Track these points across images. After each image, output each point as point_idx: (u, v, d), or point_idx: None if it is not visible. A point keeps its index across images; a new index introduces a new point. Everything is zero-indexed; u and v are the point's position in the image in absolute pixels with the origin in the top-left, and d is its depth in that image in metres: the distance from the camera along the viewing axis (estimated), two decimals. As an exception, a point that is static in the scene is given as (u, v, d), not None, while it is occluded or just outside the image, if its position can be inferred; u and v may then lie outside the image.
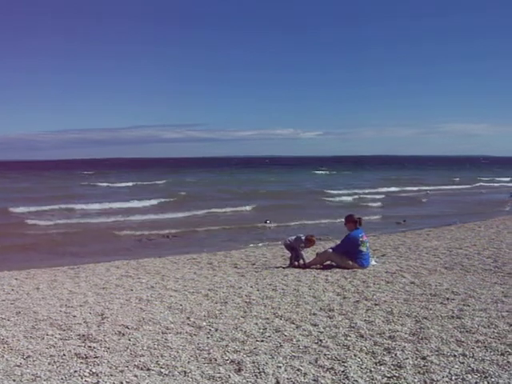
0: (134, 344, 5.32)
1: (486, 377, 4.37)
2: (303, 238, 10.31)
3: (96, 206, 27.69)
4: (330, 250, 10.14)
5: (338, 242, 10.49)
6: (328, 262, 10.09)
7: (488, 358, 4.80)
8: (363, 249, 9.81)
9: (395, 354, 4.94)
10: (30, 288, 8.39)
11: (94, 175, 74.24)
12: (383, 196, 36.04)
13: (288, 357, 4.90)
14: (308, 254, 11.53)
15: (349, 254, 9.80)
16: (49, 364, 4.71)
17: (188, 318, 6.34)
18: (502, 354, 4.90)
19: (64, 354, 4.97)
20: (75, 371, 4.52)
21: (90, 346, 5.23)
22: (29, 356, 4.92)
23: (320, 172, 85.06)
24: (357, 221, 10.12)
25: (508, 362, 4.71)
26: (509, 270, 9.28)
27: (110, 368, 4.63)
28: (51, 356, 4.92)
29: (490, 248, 12.19)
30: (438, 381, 4.30)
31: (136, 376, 4.45)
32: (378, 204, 30.52)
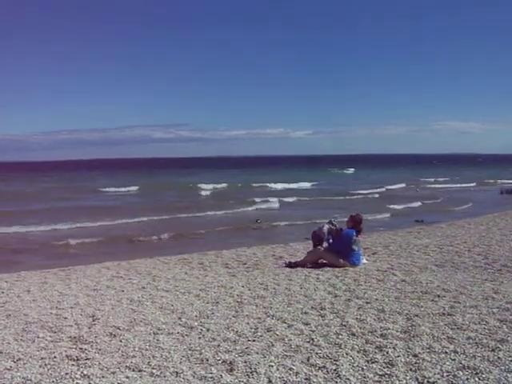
0: (125, 345, 5.31)
1: (476, 373, 4.40)
2: (334, 222, 10.33)
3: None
4: (321, 248, 10.15)
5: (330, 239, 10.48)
6: (319, 261, 10.08)
7: (479, 355, 4.83)
8: (355, 247, 9.83)
9: (387, 352, 4.96)
10: (20, 290, 8.34)
11: (95, 177, 71.54)
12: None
13: (280, 356, 4.90)
14: (300, 254, 11.56)
15: (341, 252, 9.81)
16: (40, 367, 4.69)
17: (179, 318, 6.33)
18: (493, 350, 4.93)
19: (55, 357, 4.96)
20: (66, 373, 4.51)
21: (81, 348, 5.22)
22: (19, 359, 4.90)
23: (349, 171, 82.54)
24: (359, 223, 10.10)
25: (498, 357, 4.75)
26: (499, 267, 9.33)
27: (102, 370, 4.62)
28: (42, 358, 4.91)
29: (481, 245, 12.24)
30: (429, 378, 4.32)
31: (128, 377, 4.44)
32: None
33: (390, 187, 42.10)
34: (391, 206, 26.18)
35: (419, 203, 28.09)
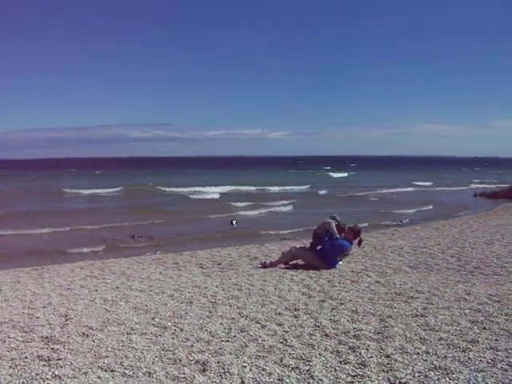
0: (98, 345, 5.27)
1: (447, 373, 4.44)
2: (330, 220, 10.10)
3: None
4: (296, 248, 10.15)
5: (305, 241, 10.50)
6: (293, 262, 10.10)
7: (450, 355, 4.88)
8: (339, 259, 9.82)
9: (360, 353, 4.98)
10: (-9, 290, 8.23)
11: (73, 177, 68.33)
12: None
13: (253, 356, 4.90)
14: (275, 254, 11.58)
15: (325, 256, 9.77)
16: (9, 368, 4.62)
17: (153, 318, 6.30)
18: (464, 351, 4.99)
19: (26, 357, 4.89)
20: (37, 374, 4.45)
21: (53, 348, 5.15)
22: (-12, 360, 4.83)
23: (340, 174, 74.33)
24: (358, 233, 10.01)
25: (469, 358, 4.80)
26: (471, 269, 9.45)
27: (74, 370, 4.57)
28: (12, 359, 4.83)
29: (454, 247, 12.38)
30: (401, 378, 4.35)
31: (100, 378, 4.40)
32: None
33: (395, 190, 42.26)
34: (404, 211, 25.86)
35: (430, 207, 28.02)
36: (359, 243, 10.07)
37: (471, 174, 71.62)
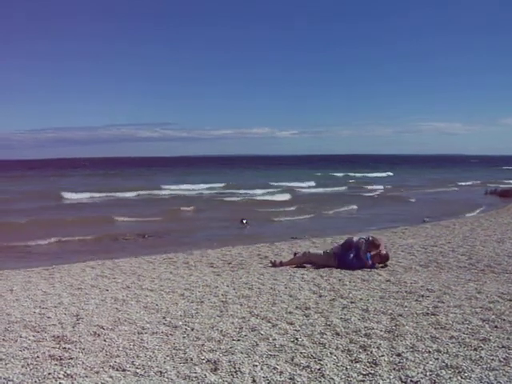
0: (109, 345, 5.29)
1: (459, 372, 4.43)
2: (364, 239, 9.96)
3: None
4: (311, 252, 10.12)
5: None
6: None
7: (462, 354, 4.87)
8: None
9: (371, 352, 4.98)
10: (2, 290, 8.27)
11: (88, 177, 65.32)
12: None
13: (264, 355, 4.91)
14: (285, 253, 11.58)
15: (341, 261, 9.68)
16: (22, 367, 4.65)
17: (164, 317, 6.32)
18: (475, 349, 4.97)
19: (38, 356, 4.92)
20: (49, 373, 4.48)
21: (64, 348, 5.19)
22: (1, 359, 4.85)
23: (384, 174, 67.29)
24: (384, 261, 9.78)
25: (480, 356, 4.78)
26: (482, 267, 9.41)
27: (85, 369, 4.60)
28: (24, 358, 4.87)
29: (465, 245, 12.33)
30: (412, 377, 4.34)
31: (111, 377, 4.43)
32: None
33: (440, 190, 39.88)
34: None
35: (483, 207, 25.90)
36: (383, 267, 9.70)
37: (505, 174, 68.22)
